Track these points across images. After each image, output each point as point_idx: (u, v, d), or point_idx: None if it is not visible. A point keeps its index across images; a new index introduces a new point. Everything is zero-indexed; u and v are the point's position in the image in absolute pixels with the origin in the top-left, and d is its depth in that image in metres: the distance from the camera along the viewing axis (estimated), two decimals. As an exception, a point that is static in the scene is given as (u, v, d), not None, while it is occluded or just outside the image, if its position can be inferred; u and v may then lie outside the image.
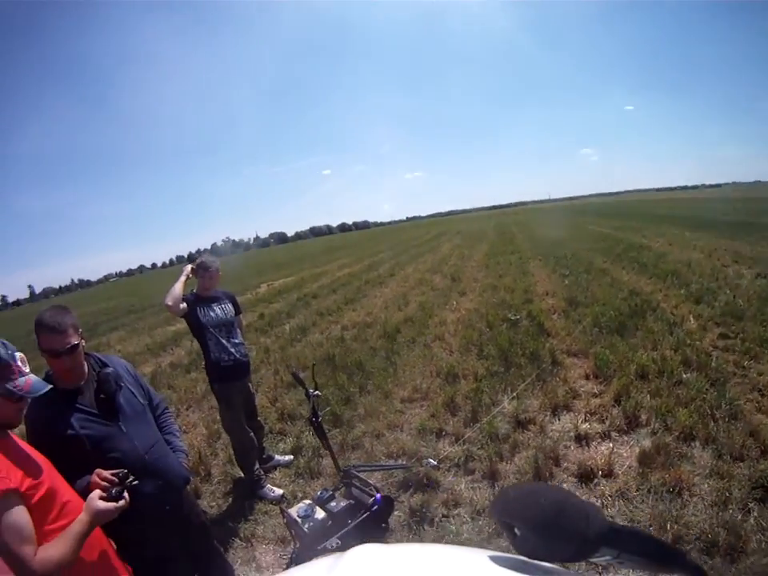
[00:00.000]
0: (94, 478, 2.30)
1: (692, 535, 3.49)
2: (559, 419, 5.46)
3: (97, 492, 2.11)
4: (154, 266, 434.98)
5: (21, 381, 2.00)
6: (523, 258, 19.41)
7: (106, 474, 2.32)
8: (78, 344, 2.48)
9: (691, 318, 8.41)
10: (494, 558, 1.04)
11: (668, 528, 3.54)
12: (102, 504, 2.08)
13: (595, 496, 4.02)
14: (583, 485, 4.23)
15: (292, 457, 5.50)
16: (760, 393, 5.59)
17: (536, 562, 1.01)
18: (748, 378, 5.99)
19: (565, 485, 4.16)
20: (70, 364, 2.48)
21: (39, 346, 2.45)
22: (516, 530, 0.96)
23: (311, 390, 3.78)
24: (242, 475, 5.16)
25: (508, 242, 28.75)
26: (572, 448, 4.86)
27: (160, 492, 2.61)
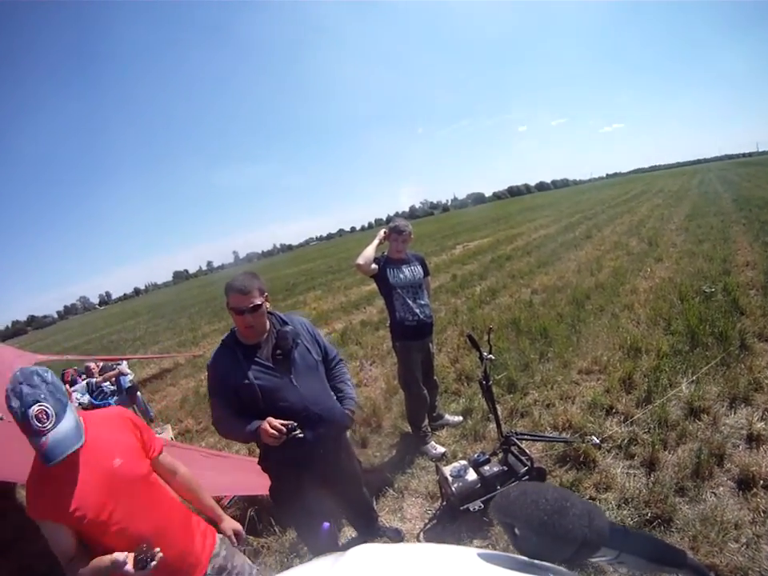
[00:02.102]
0: (265, 425, 2.73)
1: None
2: (735, 412, 4.89)
3: (131, 557, 2.05)
4: (353, 229, 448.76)
5: (38, 441, 1.94)
6: (726, 221, 17.65)
7: (277, 422, 2.74)
8: (260, 304, 2.89)
9: None
10: (494, 558, 1.08)
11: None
12: (129, 568, 2.02)
13: (748, 509, 3.57)
14: (739, 493, 3.77)
15: (461, 418, 5.72)
16: None
17: (537, 561, 1.04)
18: None
19: (721, 488, 3.85)
20: (251, 321, 2.88)
21: (228, 305, 2.90)
22: (517, 530, 1.00)
23: (485, 354, 3.98)
24: (410, 431, 5.47)
25: (712, 202, 26.36)
26: (740, 448, 4.32)
27: (318, 439, 2.93)
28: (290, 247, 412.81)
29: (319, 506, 3.27)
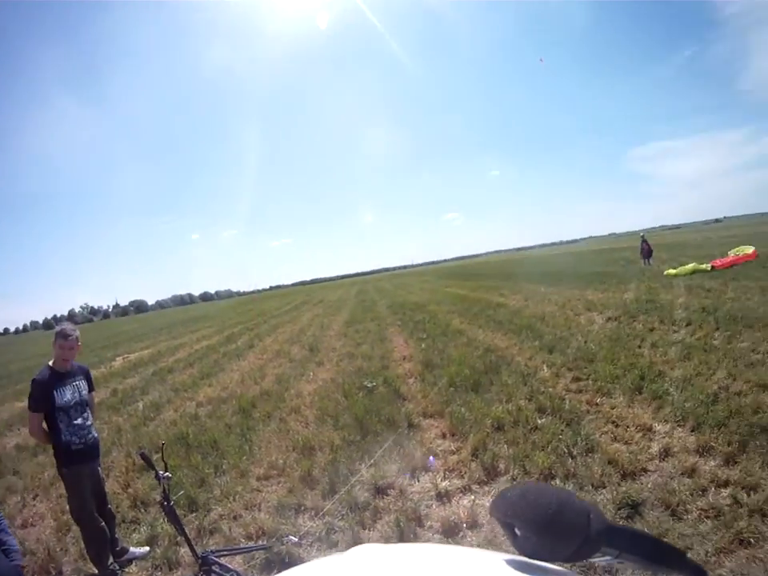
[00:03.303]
0: None
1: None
2: (419, 480, 5.61)
3: None
4: (6, 331, 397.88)
5: None
6: (382, 324, 19.93)
7: None
8: None
9: (544, 368, 9.14)
10: (494, 558, 1.05)
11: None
12: None
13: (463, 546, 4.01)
14: (450, 539, 4.33)
15: (148, 548, 5.17)
16: (614, 424, 6.23)
17: (536, 561, 1.01)
18: (601, 413, 6.65)
19: (430, 541, 4.24)
20: None
21: None
22: (516, 530, 0.97)
23: (161, 472, 3.68)
24: (96, 571, 4.83)
25: (368, 309, 29.36)
26: (434, 506, 5.01)
27: None
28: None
29: None
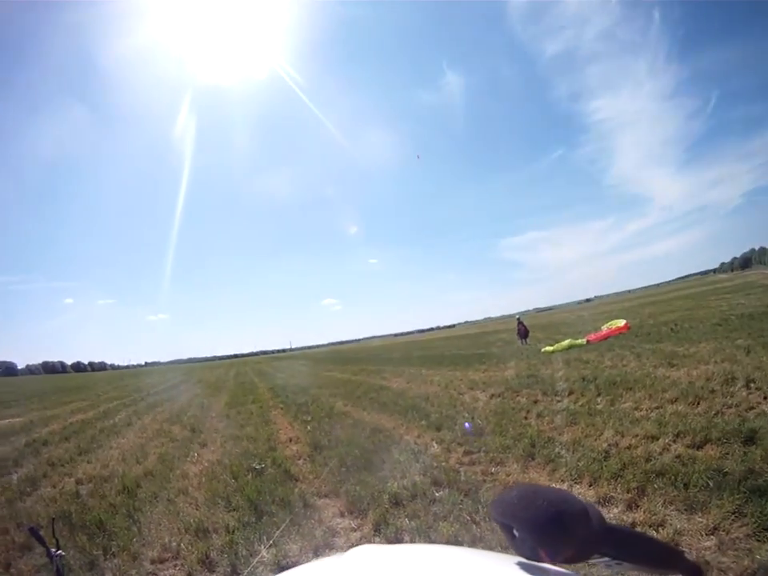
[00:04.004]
0: None
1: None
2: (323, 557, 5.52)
3: None
4: None
5: None
6: (264, 406, 19.70)
7: None
8: None
9: (434, 444, 9.34)
10: (493, 559, 1.10)
11: None
12: None
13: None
14: None
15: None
16: None
17: (535, 563, 1.02)
18: (498, 481, 6.97)
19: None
20: None
21: None
22: (515, 531, 0.98)
23: (53, 550, 3.49)
24: None
25: (249, 391, 28.90)
26: None
27: None
28: None
29: None
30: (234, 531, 6.49)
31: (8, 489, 10.40)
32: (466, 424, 6.07)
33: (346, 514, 6.79)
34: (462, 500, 6.33)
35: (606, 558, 1.00)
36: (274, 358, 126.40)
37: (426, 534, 5.58)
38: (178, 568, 5.90)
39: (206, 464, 10.70)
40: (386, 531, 5.87)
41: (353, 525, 6.41)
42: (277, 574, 1.49)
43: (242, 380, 41.33)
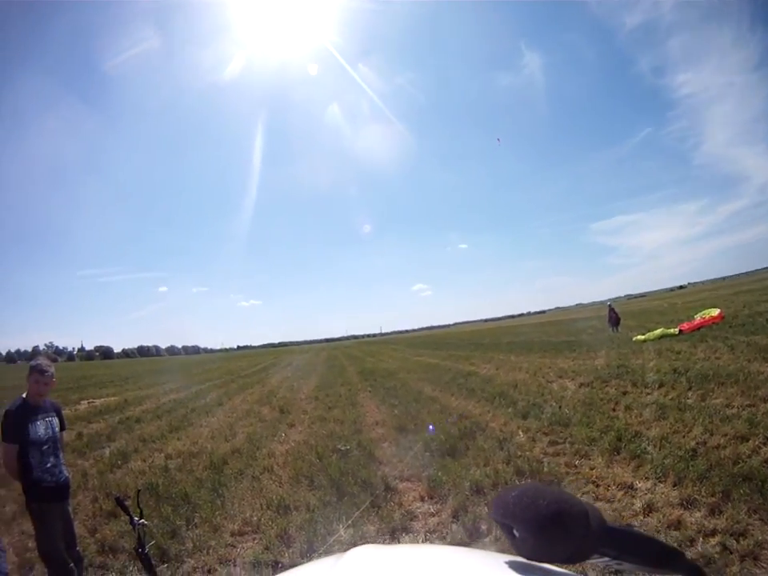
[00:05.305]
0: None
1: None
2: (399, 541, 5.47)
3: None
4: None
5: None
6: (353, 389, 19.73)
7: None
8: None
9: (520, 433, 9.08)
10: (493, 559, 1.05)
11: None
12: None
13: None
14: None
15: (115, 595, 5.00)
16: (594, 484, 6.21)
17: (535, 563, 1.02)
18: (581, 474, 6.62)
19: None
20: None
21: None
22: (515, 531, 0.96)
23: (137, 519, 3.59)
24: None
25: (338, 374, 29.21)
26: None
27: None
28: None
29: None
30: (314, 510, 6.49)
31: (100, 462, 10.81)
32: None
33: (427, 498, 6.66)
34: (543, 491, 6.10)
35: (606, 558, 0.99)
36: (365, 343, 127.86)
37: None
38: (256, 541, 5.94)
39: (293, 444, 10.82)
40: (464, 519, 5.70)
41: (432, 510, 6.27)
42: (277, 573, 1.49)
43: (332, 364, 41.84)
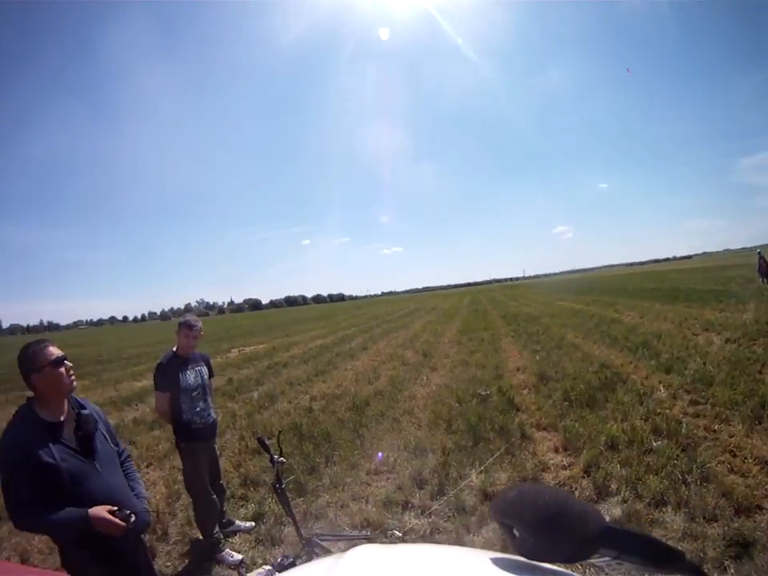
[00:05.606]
0: (99, 512, 2.48)
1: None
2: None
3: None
4: (125, 318, 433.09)
5: None
6: (495, 334, 19.65)
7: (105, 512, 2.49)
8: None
9: (661, 388, 8.66)
10: (493, 559, 1.05)
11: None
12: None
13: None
14: None
15: (253, 523, 5.38)
16: (732, 454, 5.73)
17: (535, 562, 1.03)
18: (719, 441, 6.15)
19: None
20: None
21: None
22: (515, 531, 0.98)
23: (276, 457, 3.76)
24: (201, 537, 5.05)
25: (481, 318, 29.09)
26: None
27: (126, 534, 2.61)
28: (57, 326, 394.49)
29: None
30: (449, 453, 6.52)
31: (249, 404, 11.43)
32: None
33: (560, 450, 6.49)
34: (678, 455, 5.68)
35: (606, 558, 0.97)
36: (508, 287, 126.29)
37: (633, 487, 5.11)
38: (390, 481, 6.06)
39: (434, 387, 10.93)
40: (594, 475, 5.49)
41: (564, 462, 6.09)
42: (277, 573, 1.55)
43: (475, 308, 41.80)
